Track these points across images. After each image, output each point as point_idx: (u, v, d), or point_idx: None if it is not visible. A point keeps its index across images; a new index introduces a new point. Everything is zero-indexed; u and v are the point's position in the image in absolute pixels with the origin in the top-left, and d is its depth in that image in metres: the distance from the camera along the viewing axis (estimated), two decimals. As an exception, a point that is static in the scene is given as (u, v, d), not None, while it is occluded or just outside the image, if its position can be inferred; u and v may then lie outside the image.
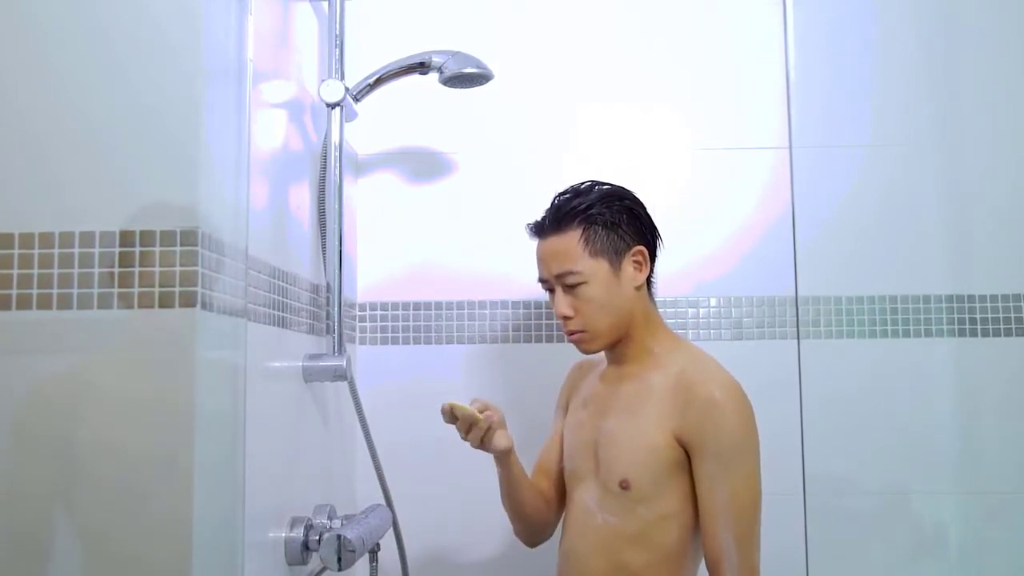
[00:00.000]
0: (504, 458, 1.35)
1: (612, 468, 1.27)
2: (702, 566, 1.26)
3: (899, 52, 1.80)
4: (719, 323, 1.74)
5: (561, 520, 1.41)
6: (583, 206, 1.30)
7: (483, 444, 1.30)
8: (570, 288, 1.30)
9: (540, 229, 1.34)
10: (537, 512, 1.43)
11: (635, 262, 1.31)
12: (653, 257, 1.35)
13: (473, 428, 1.28)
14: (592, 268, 1.28)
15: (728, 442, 1.20)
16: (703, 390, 1.22)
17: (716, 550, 1.18)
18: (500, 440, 1.31)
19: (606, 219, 1.30)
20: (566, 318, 1.31)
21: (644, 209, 1.35)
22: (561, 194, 1.34)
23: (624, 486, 1.24)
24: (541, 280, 1.35)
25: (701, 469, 1.21)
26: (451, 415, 1.28)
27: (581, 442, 1.35)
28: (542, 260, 1.34)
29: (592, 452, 1.32)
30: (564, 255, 1.29)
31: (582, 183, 1.35)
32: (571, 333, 1.32)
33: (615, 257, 1.29)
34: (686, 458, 1.23)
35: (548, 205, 1.35)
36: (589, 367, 1.46)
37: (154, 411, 0.93)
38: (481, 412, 1.28)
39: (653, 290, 1.37)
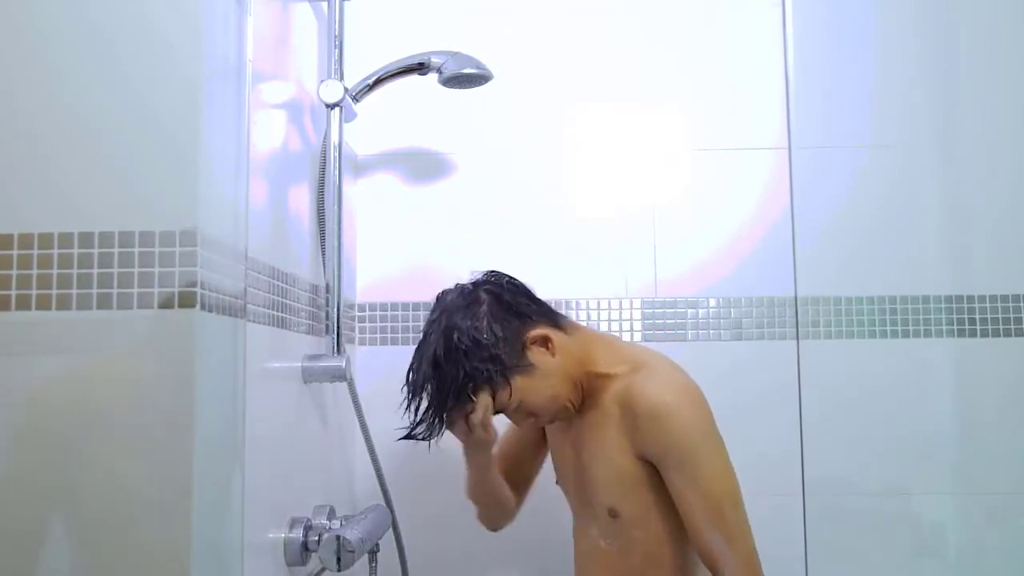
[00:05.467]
0: (486, 450, 1.34)
1: (598, 500, 1.27)
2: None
3: (898, 52, 1.80)
4: (718, 324, 1.74)
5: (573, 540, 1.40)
6: (460, 377, 1.20)
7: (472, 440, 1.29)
8: (513, 414, 1.27)
9: (444, 417, 1.25)
10: (507, 499, 1.43)
11: (538, 347, 1.24)
12: (543, 316, 1.27)
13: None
14: (514, 394, 1.23)
15: (684, 446, 1.17)
16: (643, 402, 1.18)
17: (708, 553, 1.17)
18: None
19: (486, 361, 1.20)
20: (531, 424, 1.30)
21: (496, 287, 1.26)
22: (429, 386, 1.23)
23: (613, 515, 1.24)
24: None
25: (669, 479, 1.19)
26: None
27: (567, 475, 1.36)
28: None
29: (580, 486, 1.32)
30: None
31: (429, 340, 1.24)
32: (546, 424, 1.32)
33: (519, 366, 1.22)
34: (658, 474, 1.21)
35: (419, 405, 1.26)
36: None
37: (153, 412, 0.93)
38: None
39: (564, 322, 1.30)
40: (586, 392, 1.29)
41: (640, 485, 1.22)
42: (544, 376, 1.24)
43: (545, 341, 1.25)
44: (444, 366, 1.21)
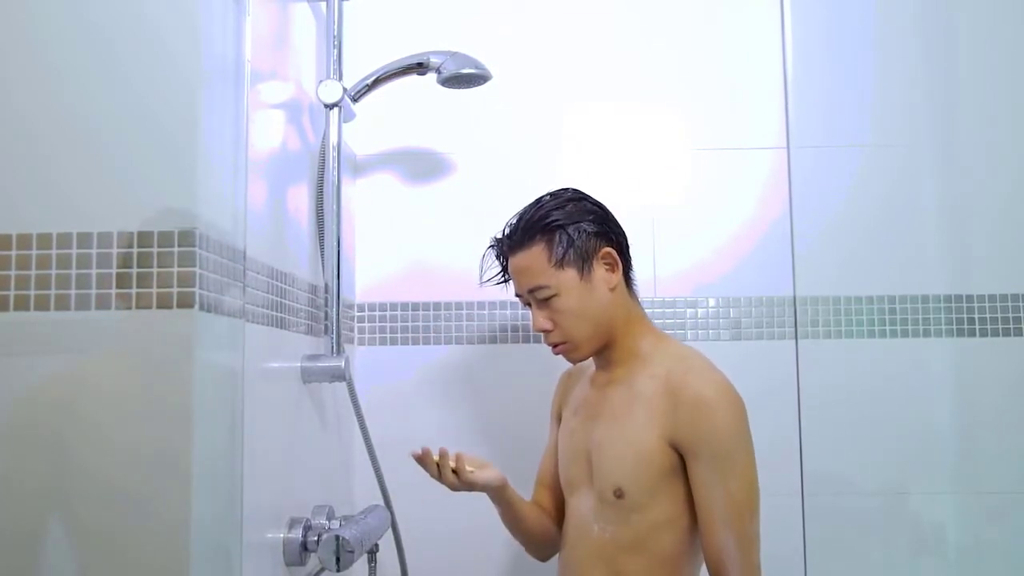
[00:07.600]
0: (499, 493, 1.35)
1: (605, 476, 1.26)
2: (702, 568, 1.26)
3: (898, 52, 1.80)
4: (717, 323, 1.74)
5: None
6: (541, 216, 1.28)
7: (465, 483, 1.31)
8: (544, 302, 1.29)
9: (504, 246, 1.34)
10: (544, 531, 1.42)
11: (605, 264, 1.29)
12: (625, 256, 1.33)
13: (439, 465, 1.30)
14: (561, 279, 1.27)
15: (722, 442, 1.19)
16: (692, 391, 1.20)
17: (717, 552, 1.17)
18: (487, 475, 1.32)
19: (567, 226, 1.27)
20: (545, 331, 1.30)
21: (607, 210, 1.33)
22: (520, 212, 1.33)
23: (618, 494, 1.24)
24: (517, 295, 1.35)
25: (696, 471, 1.20)
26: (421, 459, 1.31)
27: (574, 451, 1.35)
28: (513, 276, 1.34)
29: (585, 460, 1.31)
30: (531, 270, 1.28)
31: (540, 196, 1.34)
32: (553, 345, 1.31)
33: (583, 263, 1.27)
34: (679, 462, 1.22)
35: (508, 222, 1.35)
36: (578, 374, 1.45)
37: (152, 412, 0.93)
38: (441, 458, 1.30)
39: (634, 288, 1.36)
40: (615, 361, 1.32)
41: (655, 469, 1.22)
42: (590, 292, 1.28)
43: (613, 264, 1.29)
44: (540, 203, 1.32)
